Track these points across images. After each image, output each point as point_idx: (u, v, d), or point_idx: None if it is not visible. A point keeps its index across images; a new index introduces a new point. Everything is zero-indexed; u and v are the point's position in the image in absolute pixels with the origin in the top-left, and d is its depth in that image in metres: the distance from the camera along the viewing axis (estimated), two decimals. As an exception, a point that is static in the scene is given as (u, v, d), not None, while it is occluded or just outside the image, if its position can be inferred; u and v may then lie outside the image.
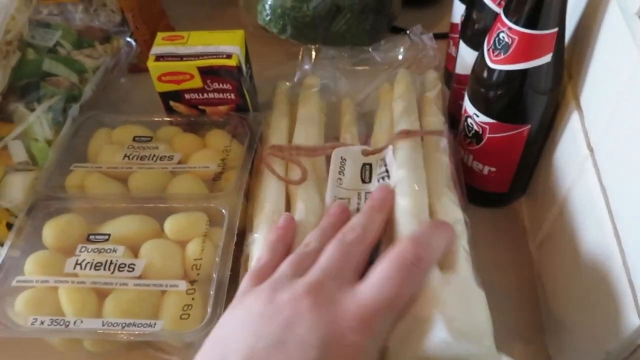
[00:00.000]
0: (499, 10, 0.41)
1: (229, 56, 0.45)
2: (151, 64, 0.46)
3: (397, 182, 0.40)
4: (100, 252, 0.39)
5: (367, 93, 0.53)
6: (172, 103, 0.48)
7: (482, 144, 0.43)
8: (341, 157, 0.44)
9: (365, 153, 0.44)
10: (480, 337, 0.31)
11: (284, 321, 0.28)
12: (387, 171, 0.42)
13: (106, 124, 0.50)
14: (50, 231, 0.41)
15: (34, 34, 0.51)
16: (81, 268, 0.38)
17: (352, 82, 0.53)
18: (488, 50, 0.39)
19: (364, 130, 0.50)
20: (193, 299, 0.37)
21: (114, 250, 0.39)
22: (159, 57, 0.46)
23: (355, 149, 0.45)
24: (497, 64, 0.38)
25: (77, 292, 0.38)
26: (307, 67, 0.54)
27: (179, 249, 0.40)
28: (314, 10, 0.56)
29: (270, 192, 0.42)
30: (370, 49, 0.54)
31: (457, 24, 0.52)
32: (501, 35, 0.37)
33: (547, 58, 0.37)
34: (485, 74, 0.40)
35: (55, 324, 0.36)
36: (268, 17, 0.57)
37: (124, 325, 0.36)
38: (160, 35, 0.48)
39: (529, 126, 0.41)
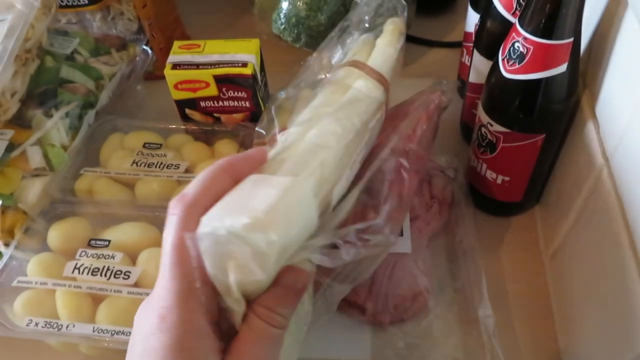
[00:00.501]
0: (513, 20, 0.42)
1: (244, 65, 0.46)
2: (168, 72, 0.46)
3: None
4: (99, 257, 0.40)
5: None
6: (187, 110, 0.49)
7: (496, 153, 0.43)
8: None
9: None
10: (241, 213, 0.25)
11: None
12: None
13: (120, 129, 0.51)
14: (55, 234, 0.42)
15: (53, 42, 0.52)
16: (79, 272, 0.39)
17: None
18: (503, 59, 0.39)
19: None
20: None
21: (113, 257, 0.40)
22: (176, 66, 0.46)
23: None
24: (511, 74, 0.38)
25: (73, 296, 0.38)
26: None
27: None
28: (328, 19, 0.56)
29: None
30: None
31: (471, 33, 0.52)
32: (516, 45, 0.38)
33: (562, 68, 0.37)
34: (499, 84, 0.40)
35: (49, 326, 0.37)
36: (282, 26, 0.58)
37: (113, 332, 0.37)
38: (177, 43, 0.48)
39: (543, 135, 0.41)
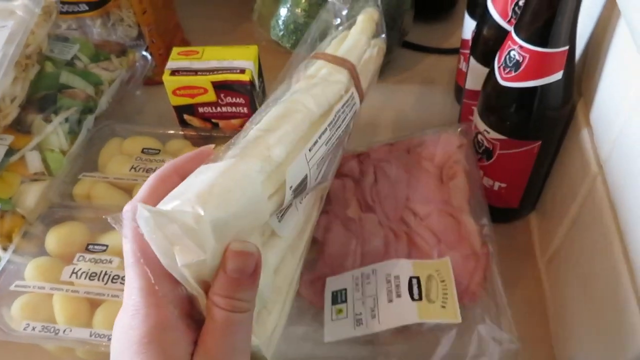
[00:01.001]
0: (509, 27, 0.42)
1: (242, 71, 0.46)
2: (166, 78, 0.46)
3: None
4: (96, 262, 0.40)
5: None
6: (186, 116, 0.49)
7: (492, 160, 0.43)
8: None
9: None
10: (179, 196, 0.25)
11: None
12: None
13: (119, 134, 0.51)
14: (52, 238, 0.42)
15: (53, 48, 0.52)
16: (77, 277, 0.39)
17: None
18: (499, 67, 0.40)
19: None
20: None
21: (110, 262, 0.40)
22: (174, 72, 0.47)
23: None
24: (507, 82, 0.39)
25: (70, 300, 0.38)
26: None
27: None
28: (326, 26, 0.57)
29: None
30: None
31: (467, 40, 0.53)
32: (512, 53, 0.38)
33: (557, 76, 0.37)
34: (496, 91, 0.40)
35: (46, 330, 0.37)
36: (281, 32, 0.58)
37: (109, 337, 0.37)
38: (175, 50, 0.49)
39: (539, 143, 0.41)
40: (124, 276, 0.39)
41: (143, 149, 0.48)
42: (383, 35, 0.46)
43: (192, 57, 0.48)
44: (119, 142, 0.50)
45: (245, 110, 0.48)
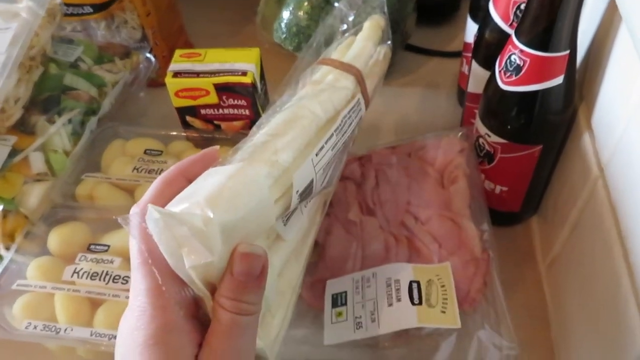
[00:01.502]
0: (510, 31, 0.42)
1: (244, 73, 0.46)
2: (169, 80, 0.47)
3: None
4: (98, 262, 0.40)
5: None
6: (188, 118, 0.50)
7: (493, 163, 0.43)
8: None
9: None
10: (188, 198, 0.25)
11: None
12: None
13: (122, 135, 0.51)
14: (54, 238, 0.42)
15: (57, 50, 0.52)
16: (78, 277, 0.39)
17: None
18: (500, 71, 0.40)
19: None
20: None
21: (111, 262, 0.40)
22: (177, 74, 0.47)
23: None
24: (508, 86, 0.39)
25: (71, 300, 0.39)
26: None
27: None
28: (328, 29, 0.57)
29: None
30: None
31: (470, 43, 0.53)
32: (513, 57, 0.38)
33: (558, 80, 0.37)
34: (496, 95, 0.40)
35: (47, 329, 0.38)
36: (284, 35, 0.58)
37: (110, 336, 0.37)
38: (178, 52, 0.49)
39: (540, 146, 0.41)
40: (125, 276, 0.39)
41: (146, 150, 0.49)
42: (389, 42, 0.47)
43: (195, 59, 0.48)
44: (121, 143, 0.50)
45: (247, 112, 0.48)
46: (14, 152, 0.45)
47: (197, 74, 0.47)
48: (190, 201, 0.25)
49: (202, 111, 0.49)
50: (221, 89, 0.47)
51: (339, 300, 0.40)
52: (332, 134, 0.35)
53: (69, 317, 0.38)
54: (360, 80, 0.40)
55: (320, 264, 0.43)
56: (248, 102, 0.48)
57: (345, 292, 0.40)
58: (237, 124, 0.50)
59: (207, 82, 0.46)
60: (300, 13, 0.57)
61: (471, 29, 0.52)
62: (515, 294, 0.45)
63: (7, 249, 0.42)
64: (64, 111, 0.49)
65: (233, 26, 0.73)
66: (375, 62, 0.44)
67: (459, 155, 0.46)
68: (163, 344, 0.24)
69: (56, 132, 0.47)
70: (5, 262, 0.41)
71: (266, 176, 0.28)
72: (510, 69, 0.38)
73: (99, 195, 0.45)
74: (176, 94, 0.48)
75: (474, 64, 0.48)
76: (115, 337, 0.36)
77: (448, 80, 0.63)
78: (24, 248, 0.42)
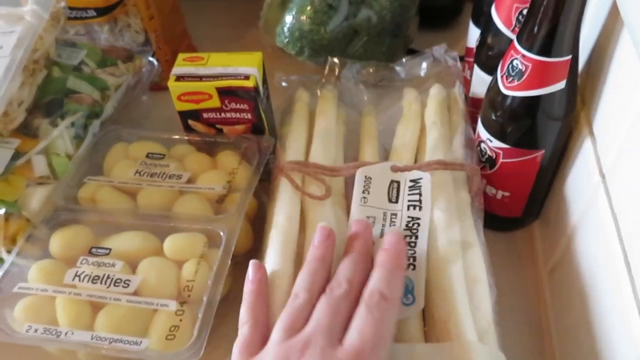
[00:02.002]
0: (512, 36, 0.42)
1: (246, 77, 0.46)
2: (171, 83, 0.47)
3: (434, 227, 0.40)
4: (99, 265, 0.40)
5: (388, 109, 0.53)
6: (190, 121, 0.50)
7: (495, 168, 0.43)
8: (365, 176, 0.43)
9: (394, 169, 0.43)
10: None
11: None
12: (420, 201, 0.41)
13: (124, 139, 0.51)
14: (56, 241, 0.42)
15: (61, 53, 0.53)
16: (79, 280, 0.39)
17: (375, 97, 0.54)
18: (502, 76, 0.40)
19: (381, 147, 0.49)
20: (181, 320, 0.38)
21: (113, 265, 0.40)
22: (179, 78, 0.47)
23: (382, 165, 0.44)
24: (510, 90, 0.39)
25: (72, 303, 0.39)
26: (331, 80, 0.55)
27: (176, 269, 0.40)
28: (331, 33, 0.57)
29: (284, 206, 0.42)
30: (394, 66, 0.54)
31: (472, 48, 0.53)
32: (515, 62, 0.38)
33: (560, 85, 0.37)
34: (498, 100, 0.40)
35: (48, 333, 0.37)
36: (286, 40, 0.59)
37: (111, 340, 0.37)
38: (181, 56, 0.49)
39: (542, 152, 0.41)
40: (126, 280, 0.39)
41: (148, 153, 0.49)
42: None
43: (197, 63, 0.48)
44: (124, 147, 0.50)
45: (249, 116, 0.49)
46: (17, 155, 0.45)
47: (200, 78, 0.47)
48: None
49: (205, 115, 0.49)
50: (223, 92, 0.47)
51: None
52: None
53: (69, 321, 0.38)
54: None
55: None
56: (250, 106, 0.48)
57: None
58: (239, 127, 0.50)
59: (209, 86, 0.46)
60: (303, 17, 0.57)
61: (473, 33, 0.52)
62: (516, 300, 0.45)
63: (9, 252, 0.42)
64: (66, 114, 0.49)
65: (236, 30, 0.73)
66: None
67: None
68: None
69: (59, 135, 0.48)
70: (6, 265, 0.41)
71: None
72: (512, 74, 0.38)
73: (101, 198, 0.45)
74: (179, 98, 0.48)
75: (476, 68, 0.48)
76: (115, 341, 0.36)
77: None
78: (26, 251, 0.42)
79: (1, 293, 0.40)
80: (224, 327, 0.40)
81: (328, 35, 0.57)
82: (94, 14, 0.57)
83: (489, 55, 0.46)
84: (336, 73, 0.54)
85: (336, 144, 0.48)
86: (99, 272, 0.40)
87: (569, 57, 0.36)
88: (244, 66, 0.47)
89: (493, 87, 0.41)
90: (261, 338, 0.33)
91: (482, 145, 0.44)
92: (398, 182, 0.43)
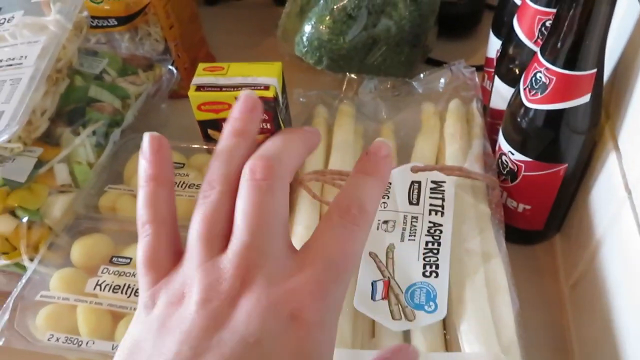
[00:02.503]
0: (536, 48, 0.42)
1: (266, 88, 0.46)
2: (192, 93, 0.47)
3: (457, 236, 0.39)
4: (120, 275, 0.40)
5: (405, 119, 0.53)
6: (210, 131, 0.50)
7: (517, 181, 0.43)
8: None
9: (415, 169, 0.43)
10: None
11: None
12: (442, 207, 0.41)
13: (144, 147, 0.51)
14: (77, 250, 0.43)
15: (83, 62, 0.53)
16: (100, 289, 0.40)
17: (393, 111, 0.54)
18: (524, 89, 0.39)
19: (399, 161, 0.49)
20: None
21: (133, 275, 0.40)
22: (200, 87, 0.47)
23: (403, 168, 0.43)
24: (533, 104, 0.38)
25: (93, 312, 0.39)
26: (349, 95, 0.55)
27: None
28: (350, 43, 0.57)
29: (303, 215, 0.43)
30: (412, 81, 0.55)
31: (492, 59, 0.52)
32: (538, 75, 0.38)
33: (585, 98, 0.37)
34: (521, 113, 0.40)
35: (70, 342, 0.38)
36: (305, 49, 0.59)
37: None
38: (201, 66, 0.49)
39: (565, 165, 0.40)
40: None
41: (168, 162, 0.49)
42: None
43: (217, 73, 0.48)
44: (144, 155, 0.50)
45: (269, 126, 0.49)
46: (39, 164, 0.45)
47: (220, 88, 0.47)
48: None
49: (224, 124, 0.49)
50: (243, 102, 0.47)
51: None
52: None
53: (90, 330, 0.38)
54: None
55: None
56: (270, 116, 0.48)
57: None
58: (259, 137, 0.50)
59: (229, 96, 0.47)
60: (322, 27, 0.57)
61: (493, 44, 0.52)
62: (536, 314, 0.44)
63: (31, 260, 0.42)
64: (88, 123, 0.49)
65: (253, 38, 0.73)
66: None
67: None
68: None
69: (80, 144, 0.48)
70: (29, 273, 0.41)
71: None
72: (536, 86, 0.38)
73: (122, 207, 0.45)
74: (199, 107, 0.48)
75: (497, 80, 0.48)
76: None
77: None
78: (48, 259, 0.42)
79: (24, 301, 0.40)
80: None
81: (347, 45, 0.57)
82: (115, 22, 0.58)
83: (510, 67, 0.46)
84: (354, 88, 0.55)
85: (354, 157, 0.48)
86: (119, 282, 0.40)
87: (594, 70, 0.36)
88: (263, 76, 0.48)
89: (515, 100, 0.41)
90: (170, 247, 0.24)
91: (504, 157, 0.43)
92: (419, 183, 0.43)
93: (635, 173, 0.35)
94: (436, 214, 0.40)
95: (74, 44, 0.51)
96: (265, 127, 0.49)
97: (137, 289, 0.39)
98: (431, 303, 0.36)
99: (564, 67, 0.36)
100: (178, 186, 0.47)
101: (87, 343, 0.38)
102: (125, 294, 0.39)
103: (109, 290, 0.39)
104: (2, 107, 0.43)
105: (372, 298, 0.36)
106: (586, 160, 0.42)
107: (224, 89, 0.47)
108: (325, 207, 0.43)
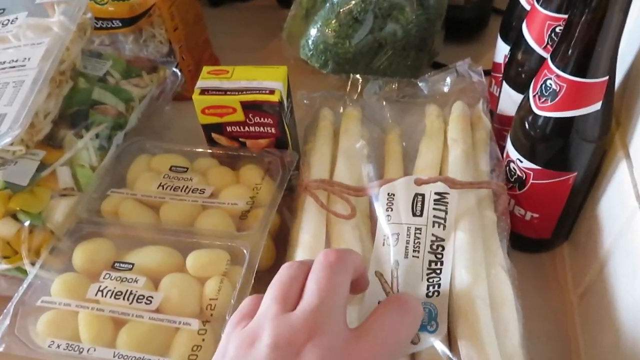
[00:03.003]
0: (545, 54, 0.41)
1: (271, 92, 0.46)
2: (196, 97, 0.47)
3: (457, 249, 0.39)
4: (122, 281, 0.40)
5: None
6: (214, 135, 0.49)
7: (525, 189, 0.42)
8: (388, 193, 0.42)
9: (419, 182, 0.43)
10: None
11: None
12: (445, 219, 0.40)
13: (147, 150, 0.51)
14: (79, 254, 0.42)
15: (86, 64, 0.53)
16: (102, 295, 0.39)
17: (398, 113, 0.53)
18: (534, 96, 0.39)
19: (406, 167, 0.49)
20: (203, 340, 0.37)
21: (135, 281, 0.40)
22: (204, 91, 0.47)
23: (406, 180, 0.43)
24: (543, 111, 0.38)
25: (95, 319, 0.38)
26: (354, 96, 0.54)
27: (198, 286, 0.40)
28: (356, 47, 0.57)
29: (310, 224, 0.42)
30: (417, 81, 0.54)
31: (499, 64, 0.52)
32: (548, 82, 0.37)
33: (596, 106, 0.36)
34: (530, 121, 0.39)
35: (70, 349, 0.37)
36: (310, 52, 0.58)
37: (133, 358, 0.36)
38: (206, 69, 0.49)
39: (574, 174, 0.40)
40: (149, 296, 0.39)
41: (171, 166, 0.48)
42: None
43: (222, 76, 0.48)
44: (147, 159, 0.50)
45: (273, 130, 0.48)
46: (41, 167, 0.45)
47: (225, 92, 0.47)
48: None
49: (228, 128, 0.48)
50: (248, 107, 0.46)
51: None
52: None
53: (92, 337, 0.37)
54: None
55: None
56: (274, 120, 0.47)
57: None
58: (263, 141, 0.49)
59: (234, 100, 0.46)
60: (328, 30, 0.56)
61: (501, 49, 0.51)
62: (544, 324, 0.43)
63: (33, 264, 0.42)
64: (91, 125, 0.49)
65: (258, 41, 0.73)
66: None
67: None
68: None
69: (83, 147, 0.48)
70: (30, 277, 0.41)
71: None
72: (546, 94, 0.37)
73: (124, 211, 0.45)
74: (202, 111, 0.47)
75: (505, 86, 0.47)
76: (138, 359, 0.36)
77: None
78: (49, 264, 0.42)
79: (25, 306, 0.40)
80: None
81: (353, 48, 0.56)
82: (120, 24, 0.57)
83: (518, 73, 0.45)
84: (359, 89, 0.54)
85: (360, 162, 0.48)
86: (121, 288, 0.39)
87: (606, 78, 0.35)
88: (268, 80, 0.47)
89: (524, 107, 0.40)
90: (254, 306, 0.30)
91: (512, 165, 0.43)
92: (423, 195, 0.42)
93: (647, 183, 0.34)
94: (439, 226, 0.40)
95: (78, 45, 0.50)
96: (269, 131, 0.48)
97: (139, 295, 0.39)
98: (433, 322, 0.35)
99: (575, 74, 0.35)
100: (181, 190, 0.46)
101: (88, 350, 0.37)
102: (127, 300, 0.39)
103: (110, 297, 0.39)
104: (5, 110, 0.42)
105: None
106: (596, 168, 0.41)
107: (228, 93, 0.47)
108: (331, 216, 0.43)
